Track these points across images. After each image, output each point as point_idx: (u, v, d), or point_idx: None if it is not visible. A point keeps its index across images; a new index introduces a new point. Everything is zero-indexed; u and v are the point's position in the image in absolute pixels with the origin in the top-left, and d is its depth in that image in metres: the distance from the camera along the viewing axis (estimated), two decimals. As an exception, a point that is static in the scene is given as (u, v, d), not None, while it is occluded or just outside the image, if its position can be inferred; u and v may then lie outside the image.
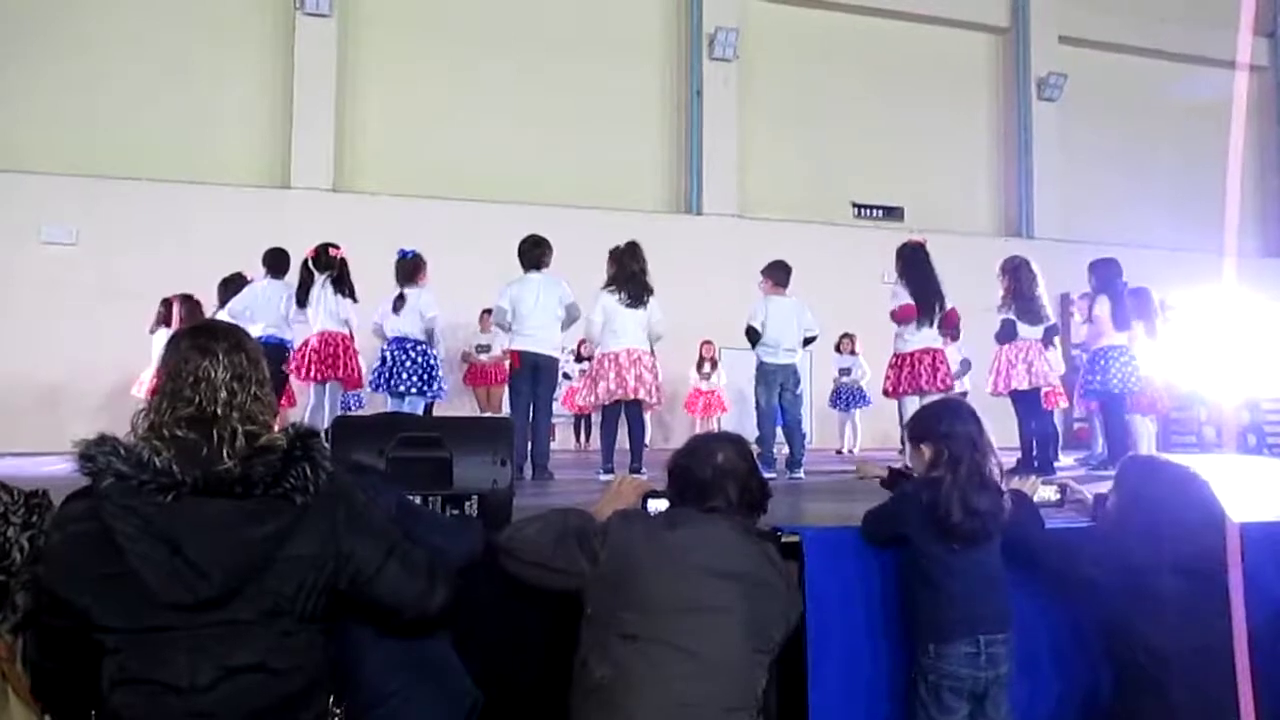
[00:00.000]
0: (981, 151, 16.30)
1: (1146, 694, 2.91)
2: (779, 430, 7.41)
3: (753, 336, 7.31)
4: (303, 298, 7.43)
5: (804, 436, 7.52)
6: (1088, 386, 7.42)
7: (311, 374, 7.23)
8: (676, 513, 2.67)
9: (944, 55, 15.95)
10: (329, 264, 7.38)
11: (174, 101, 12.60)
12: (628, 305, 6.68)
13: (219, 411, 1.92)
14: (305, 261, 7.48)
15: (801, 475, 6.90)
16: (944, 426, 3.09)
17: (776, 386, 7.28)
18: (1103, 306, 7.28)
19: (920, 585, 3.05)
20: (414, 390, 7.00)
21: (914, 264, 7.24)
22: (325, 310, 7.32)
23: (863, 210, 15.49)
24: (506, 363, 7.12)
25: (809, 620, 3.03)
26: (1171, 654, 2.83)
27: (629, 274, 6.75)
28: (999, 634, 2.97)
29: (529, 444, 6.56)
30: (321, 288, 7.34)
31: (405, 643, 2.30)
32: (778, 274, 7.49)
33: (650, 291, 6.76)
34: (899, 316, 7.19)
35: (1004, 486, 3.06)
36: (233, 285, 8.17)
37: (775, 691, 2.91)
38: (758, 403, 7.35)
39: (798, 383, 7.45)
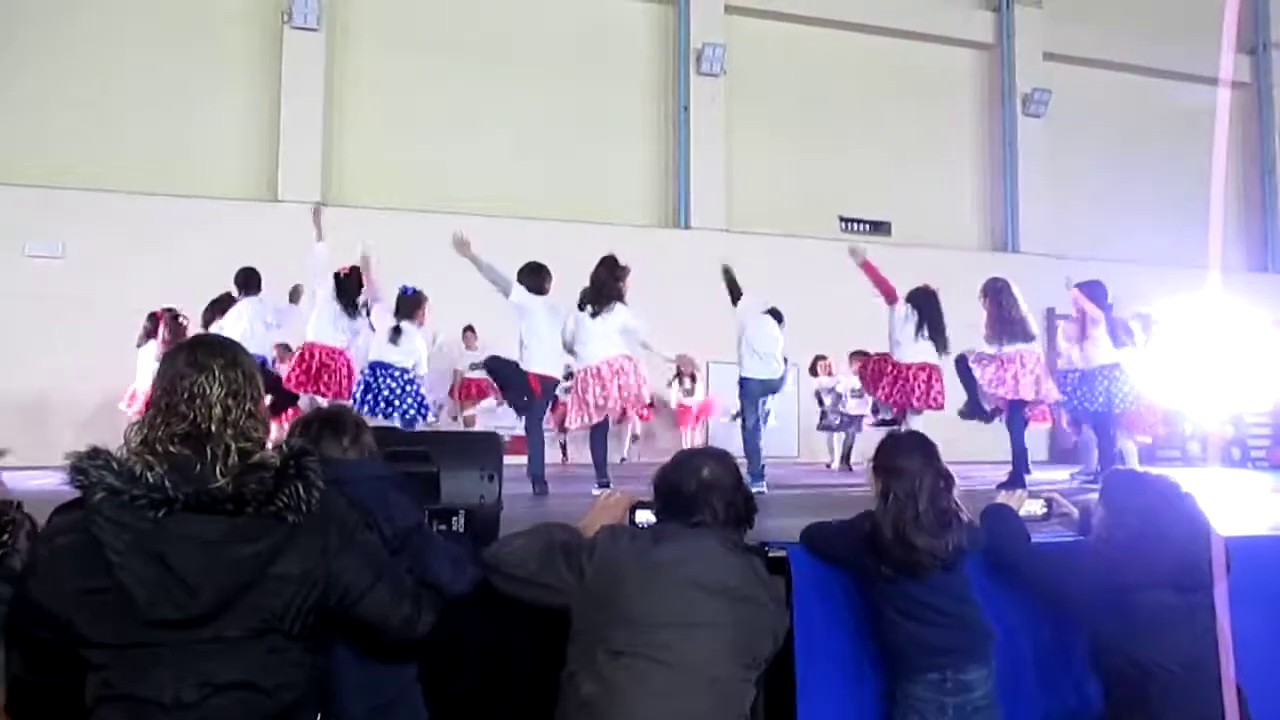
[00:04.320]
0: (967, 166, 16.39)
1: (1134, 707, 2.91)
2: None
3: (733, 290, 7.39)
4: (352, 309, 7.57)
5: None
6: (1082, 405, 7.42)
7: (307, 389, 7.28)
8: (663, 527, 2.67)
9: (930, 71, 16.05)
10: (355, 289, 7.57)
11: (162, 114, 12.58)
12: (592, 315, 6.72)
13: (213, 428, 1.91)
14: (338, 276, 7.58)
15: (764, 489, 6.79)
16: (891, 460, 3.06)
17: (759, 402, 7.28)
18: (1098, 328, 7.30)
19: (878, 617, 3.05)
20: (409, 414, 7.10)
21: (921, 300, 7.18)
22: (330, 329, 7.46)
23: (850, 224, 15.55)
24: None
25: (797, 635, 3.03)
26: (1158, 667, 2.84)
27: (595, 282, 6.83)
28: (969, 669, 2.92)
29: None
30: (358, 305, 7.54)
31: (374, 670, 2.31)
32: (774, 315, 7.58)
33: (609, 298, 6.74)
34: (886, 295, 7.14)
35: (963, 519, 3.00)
36: (219, 306, 8.18)
37: (764, 707, 2.90)
38: (743, 420, 7.29)
39: (771, 395, 7.50)
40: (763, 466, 7.20)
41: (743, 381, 7.28)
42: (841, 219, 15.53)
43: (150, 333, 9.03)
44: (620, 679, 2.37)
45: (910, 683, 2.96)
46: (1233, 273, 16.42)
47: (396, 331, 7.16)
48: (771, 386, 7.31)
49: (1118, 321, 7.69)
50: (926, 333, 7.02)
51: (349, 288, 7.52)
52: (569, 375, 10.08)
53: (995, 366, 7.07)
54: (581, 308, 6.76)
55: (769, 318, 7.39)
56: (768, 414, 7.49)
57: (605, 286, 6.77)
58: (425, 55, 13.76)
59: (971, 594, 3.04)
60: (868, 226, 15.51)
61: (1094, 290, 7.42)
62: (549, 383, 6.81)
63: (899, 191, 15.48)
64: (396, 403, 7.02)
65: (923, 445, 3.11)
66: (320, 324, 7.47)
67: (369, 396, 7.01)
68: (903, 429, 7.20)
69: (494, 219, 12.45)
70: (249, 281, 7.97)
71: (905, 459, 3.03)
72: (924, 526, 2.90)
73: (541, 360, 6.77)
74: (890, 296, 7.15)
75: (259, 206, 12.68)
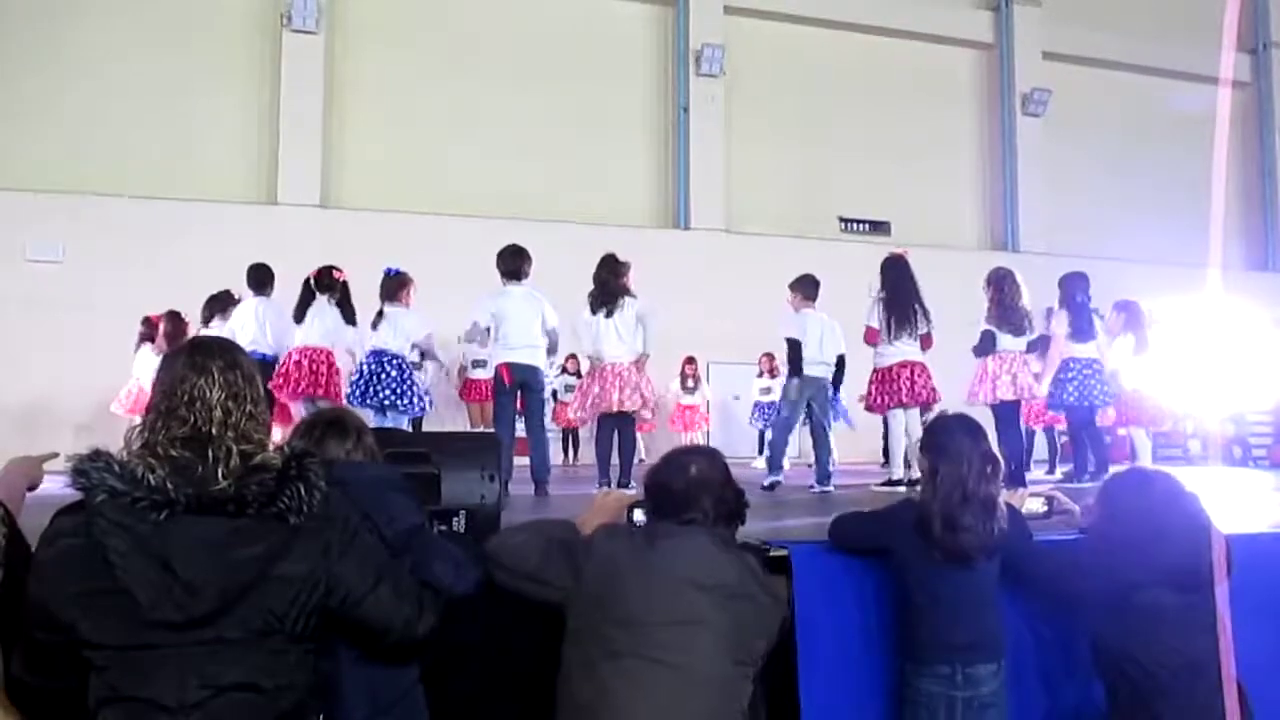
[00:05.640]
0: (967, 166, 16.42)
1: (1136, 707, 2.91)
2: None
3: (794, 349, 7.24)
4: (300, 315, 7.36)
5: (829, 450, 7.35)
6: (1051, 400, 7.45)
7: (296, 390, 7.17)
8: (656, 526, 2.66)
9: (930, 71, 16.07)
10: (330, 286, 7.34)
11: (161, 118, 12.59)
12: (606, 316, 6.71)
13: (214, 431, 1.91)
14: (307, 281, 7.41)
15: (830, 488, 6.88)
16: (938, 440, 3.09)
17: (804, 400, 7.26)
18: (1060, 320, 7.31)
19: (902, 605, 3.05)
20: (389, 403, 6.89)
21: (891, 274, 7.21)
22: (319, 329, 7.27)
23: (850, 224, 15.58)
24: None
25: (798, 634, 3.02)
26: (1160, 666, 2.83)
27: (598, 283, 6.82)
28: (982, 663, 2.93)
29: (513, 460, 6.50)
30: (322, 308, 7.30)
31: (376, 672, 2.31)
32: (807, 288, 7.49)
33: (616, 295, 6.74)
34: (865, 340, 7.18)
35: (1004, 510, 3.01)
36: (219, 302, 8.14)
37: (765, 706, 2.90)
38: (779, 411, 7.37)
39: (827, 398, 7.44)
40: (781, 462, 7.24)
41: (789, 378, 7.34)
42: (841, 219, 15.56)
43: (146, 336, 9.01)
44: (617, 680, 2.37)
45: (918, 677, 2.96)
46: (1233, 272, 16.42)
47: (379, 315, 7.06)
48: (818, 385, 7.28)
49: (1132, 310, 7.69)
50: (906, 332, 7.01)
51: (322, 288, 7.36)
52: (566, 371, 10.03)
53: (978, 377, 7.21)
54: (594, 313, 6.76)
55: (816, 315, 7.37)
56: (827, 412, 7.43)
57: (609, 285, 6.78)
58: (424, 57, 13.78)
59: (994, 592, 3.05)
60: (867, 226, 15.54)
61: (1075, 282, 7.42)
62: (520, 370, 6.65)
63: (898, 191, 15.50)
64: (379, 387, 6.84)
65: (969, 427, 3.11)
66: (306, 328, 7.36)
67: (360, 382, 6.91)
68: (888, 428, 7.24)
69: (494, 219, 12.46)
70: (262, 279, 7.82)
71: (953, 439, 3.04)
72: (972, 510, 2.92)
73: (507, 349, 6.69)
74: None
75: (259, 209, 12.69)
